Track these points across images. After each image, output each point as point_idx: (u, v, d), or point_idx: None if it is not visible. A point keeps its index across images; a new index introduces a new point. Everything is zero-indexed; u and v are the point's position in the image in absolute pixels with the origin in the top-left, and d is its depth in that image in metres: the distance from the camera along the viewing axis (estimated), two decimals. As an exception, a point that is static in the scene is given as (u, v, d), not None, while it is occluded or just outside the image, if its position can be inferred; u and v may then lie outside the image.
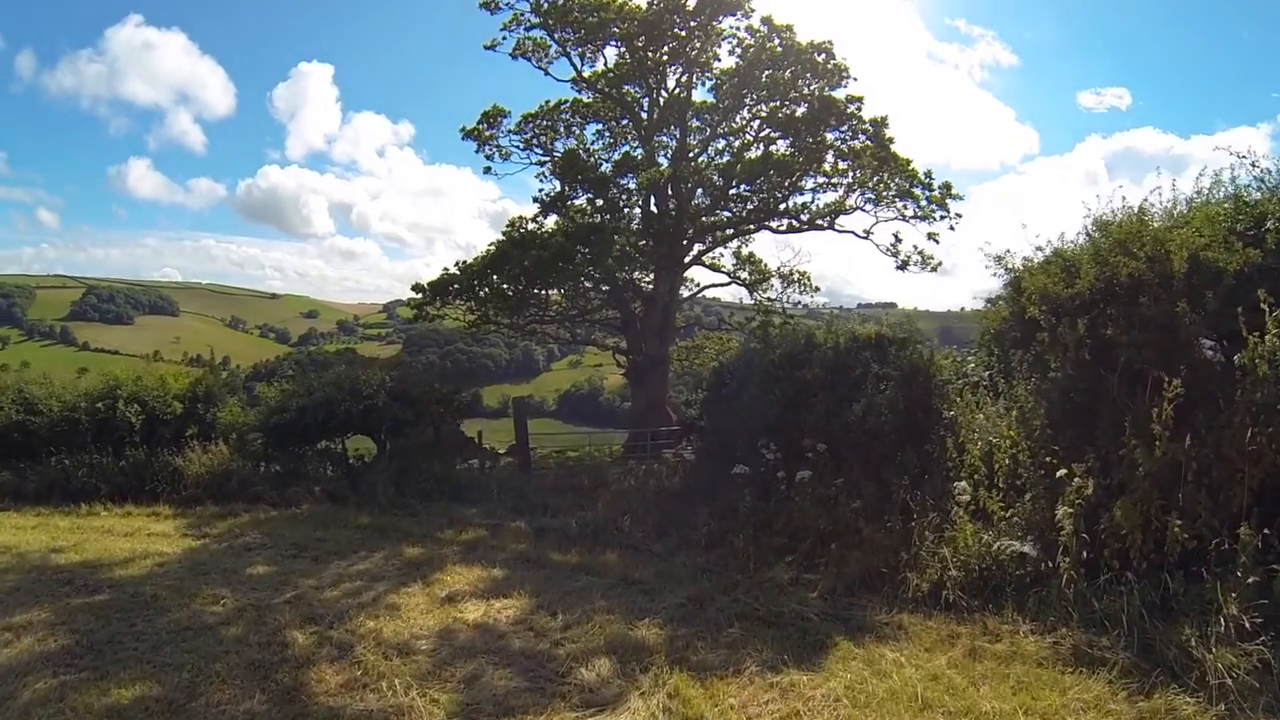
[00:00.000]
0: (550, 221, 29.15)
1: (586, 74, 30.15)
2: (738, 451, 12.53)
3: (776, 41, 27.52)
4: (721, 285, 32.82)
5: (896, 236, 27.43)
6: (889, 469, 9.98)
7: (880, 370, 11.13)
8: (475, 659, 6.54)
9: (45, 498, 15.51)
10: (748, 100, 28.75)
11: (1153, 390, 7.37)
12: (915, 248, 27.54)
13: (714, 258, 31.81)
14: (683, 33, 27.89)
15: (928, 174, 26.61)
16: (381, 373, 16.10)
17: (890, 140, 26.12)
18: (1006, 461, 8.89)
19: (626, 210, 28.87)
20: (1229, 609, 5.89)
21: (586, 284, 28.54)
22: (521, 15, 28.95)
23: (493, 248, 26.98)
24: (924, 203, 26.55)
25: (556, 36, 29.15)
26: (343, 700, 5.79)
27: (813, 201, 28.56)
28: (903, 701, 5.44)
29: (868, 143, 26.19)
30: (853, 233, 28.25)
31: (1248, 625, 5.78)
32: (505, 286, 26.81)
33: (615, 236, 25.54)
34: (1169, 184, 8.70)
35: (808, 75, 27.49)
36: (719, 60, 29.36)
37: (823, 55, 27.00)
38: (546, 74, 30.27)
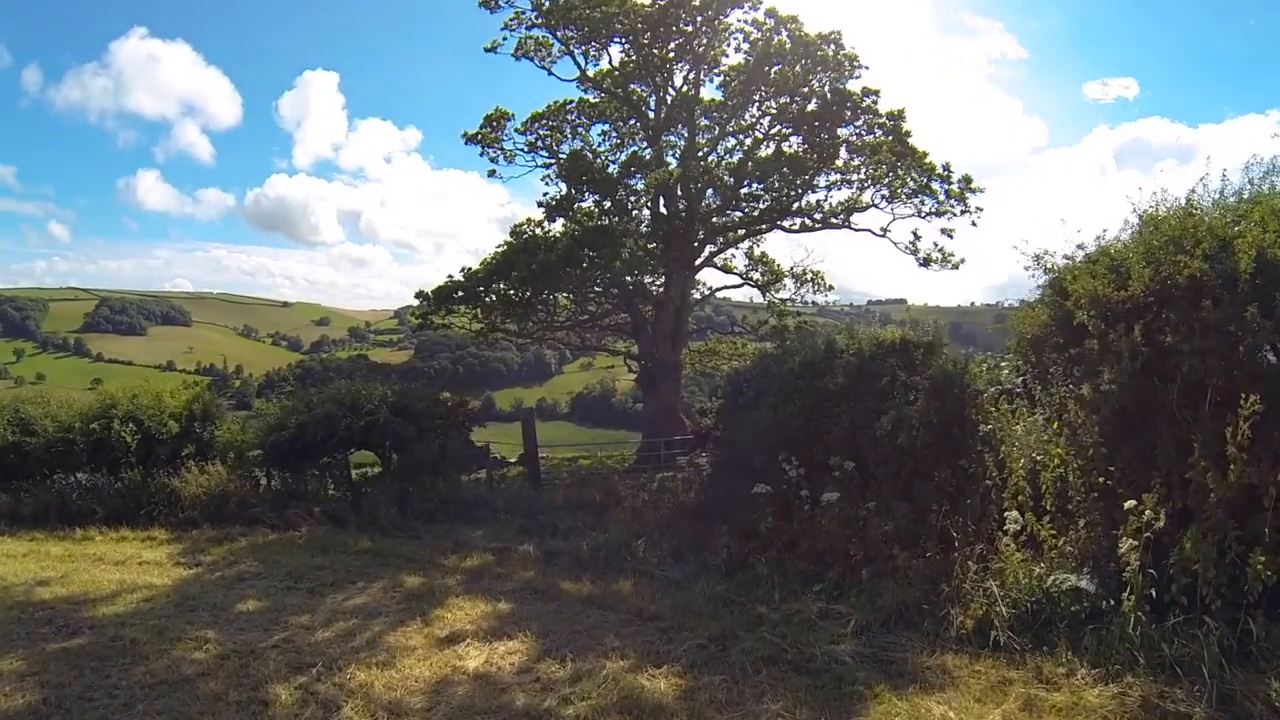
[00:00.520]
0: (557, 225, 28.56)
1: (591, 73, 29.56)
2: (755, 462, 11.85)
3: (784, 34, 26.79)
4: (734, 287, 32.21)
5: (916, 234, 26.76)
6: (924, 488, 9.32)
7: (908, 379, 10.51)
8: (473, 723, 5.88)
9: (41, 521, 15.04)
10: (756, 97, 28.04)
11: (1216, 404, 6.70)
12: (936, 245, 26.88)
13: (725, 259, 31.19)
14: (689, 28, 27.25)
15: (946, 167, 25.90)
16: (383, 387, 15.47)
17: (908, 133, 25.40)
18: (1054, 482, 8.19)
19: (635, 212, 28.20)
20: (1322, 656, 5.22)
21: (596, 288, 27.91)
22: (523, 14, 28.34)
23: (499, 252, 26.44)
24: (942, 197, 25.82)
25: (559, 35, 28.54)
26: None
27: (826, 199, 27.91)
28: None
29: (884, 137, 25.45)
30: (870, 230, 27.57)
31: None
32: (512, 293, 26.22)
33: (624, 239, 24.92)
34: (1218, 173, 8.01)
35: (818, 70, 26.79)
36: (726, 56, 28.76)
37: (832, 46, 26.30)
38: (550, 74, 29.73)
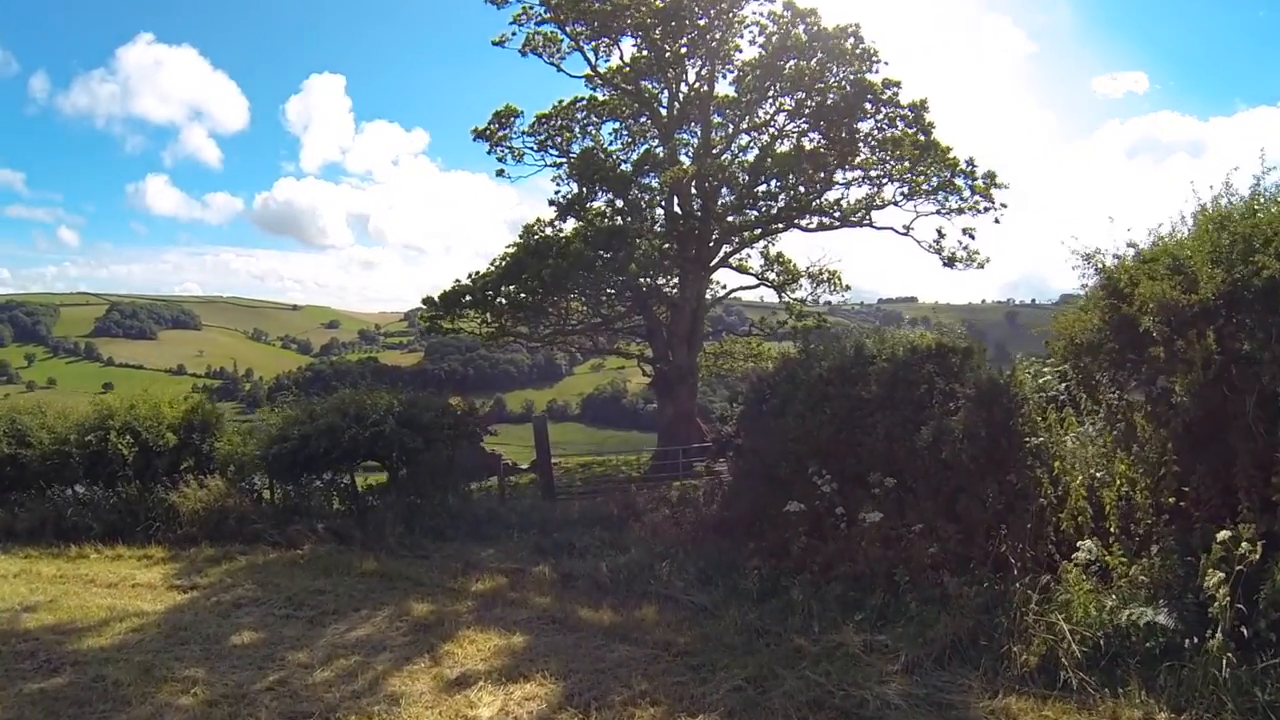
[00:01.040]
0: (568, 226, 27.86)
1: (602, 69, 28.84)
2: (781, 472, 11.16)
3: (801, 28, 26.03)
4: (749, 287, 31.42)
5: (940, 232, 25.94)
6: (970, 506, 8.64)
7: (946, 386, 9.85)
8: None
9: (37, 536, 14.49)
10: (771, 92, 27.26)
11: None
12: (960, 243, 26.07)
13: (741, 259, 30.37)
14: (703, 21, 26.50)
15: (970, 162, 25.08)
16: (389, 396, 14.77)
17: (931, 126, 24.56)
18: (1118, 502, 7.48)
19: (649, 212, 27.44)
20: None
21: (609, 290, 27.20)
22: (530, 8, 27.57)
23: (509, 254, 25.76)
24: (966, 194, 25.02)
25: (568, 30, 27.79)
26: None
27: (845, 197, 27.11)
28: None
29: (906, 130, 24.64)
30: (892, 229, 26.72)
31: None
32: (523, 296, 25.53)
33: (638, 239, 24.22)
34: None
35: (833, 65, 26.03)
36: (740, 51, 28.00)
37: (850, 39, 25.47)
38: (559, 70, 28.99)
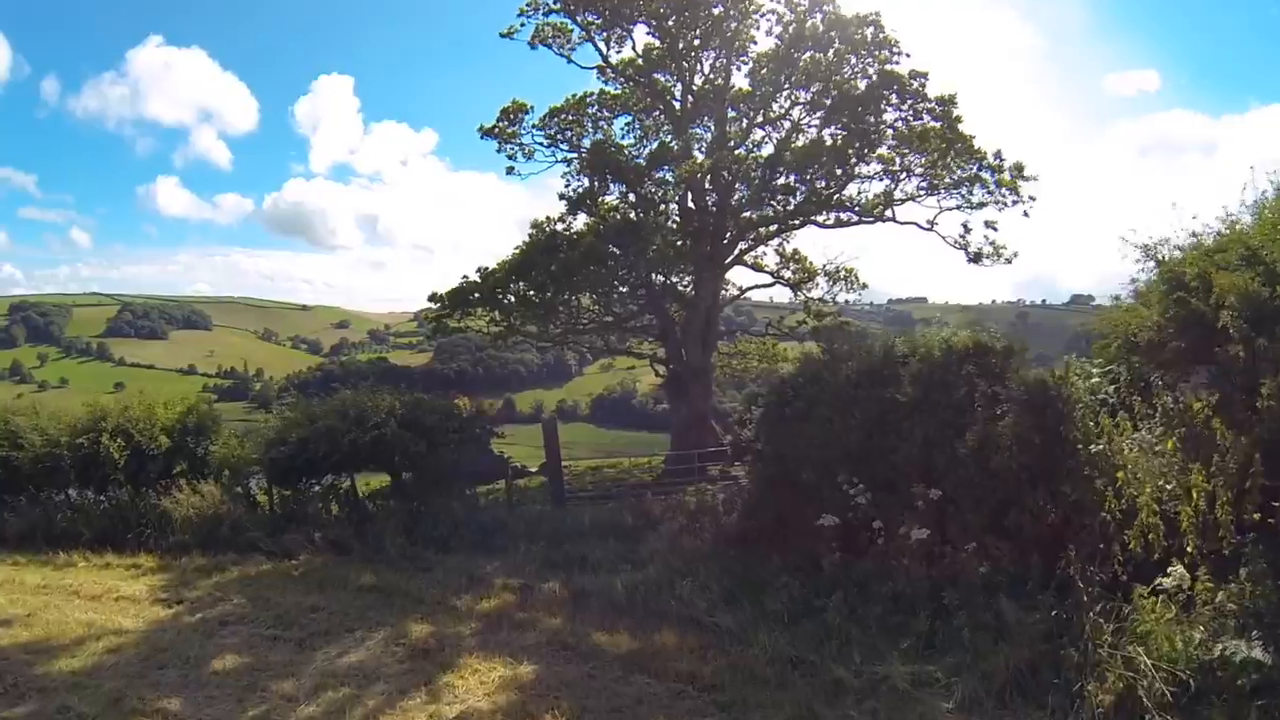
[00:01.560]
0: (579, 222, 27.12)
1: (614, 61, 28.11)
2: (806, 480, 10.41)
3: (818, 17, 25.30)
4: (764, 286, 30.61)
5: (966, 226, 25.06)
6: (1022, 521, 7.89)
7: (988, 389, 9.03)
8: None
9: (28, 541, 13.92)
10: (788, 85, 26.46)
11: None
12: (987, 238, 25.19)
13: (756, 256, 29.60)
14: (717, 10, 25.78)
15: (997, 154, 24.20)
16: (391, 397, 14.03)
17: (959, 119, 23.72)
18: (1195, 518, 6.70)
19: (663, 207, 26.64)
20: None
21: (621, 289, 26.44)
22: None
23: (518, 251, 25.04)
24: (992, 187, 24.15)
25: (579, 19, 27.12)
26: None
27: (864, 191, 26.23)
28: None
29: (932, 123, 23.80)
30: (915, 224, 25.89)
31: None
32: (531, 294, 24.79)
33: (653, 234, 23.49)
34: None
35: (851, 56, 25.25)
36: (755, 43, 27.25)
37: (870, 28, 24.70)
38: (569, 61, 28.35)
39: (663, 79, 28.23)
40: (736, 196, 26.15)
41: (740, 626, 7.95)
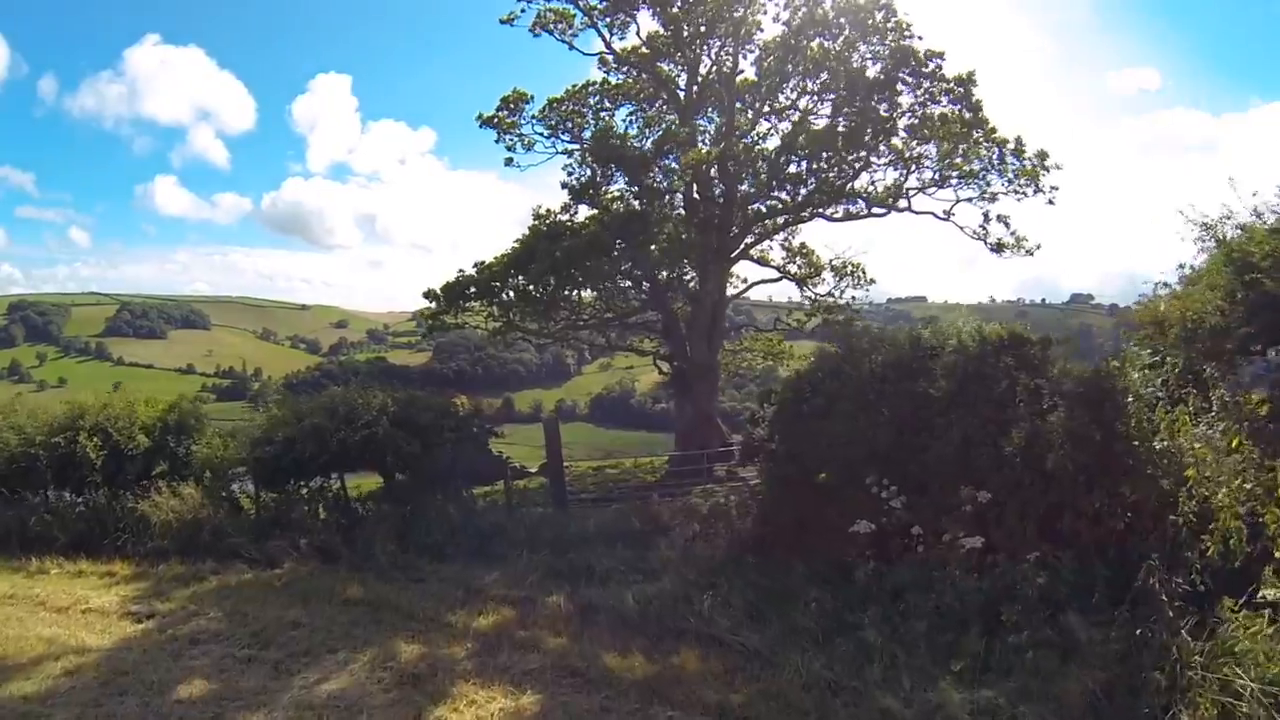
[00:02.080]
0: (581, 213, 26.24)
1: (617, 47, 27.26)
2: (826, 479, 9.59)
3: (828, 2, 24.38)
4: (771, 281, 29.71)
5: (986, 216, 24.10)
6: (1078, 526, 7.14)
7: (1029, 381, 8.34)
8: None
9: (2, 546, 13.13)
10: (794, 75, 25.54)
11: None
12: (1008, 228, 24.28)
13: (762, 250, 28.74)
14: (724, -5, 24.87)
15: (1019, 141, 23.31)
16: (383, 394, 13.18)
17: (979, 103, 22.79)
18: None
19: (668, 198, 25.76)
20: None
21: (625, 283, 25.58)
22: (541, -16, 26.04)
23: (518, 244, 24.14)
24: (1012, 176, 23.22)
25: (581, 4, 26.31)
26: None
27: (877, 181, 25.28)
28: None
29: (951, 107, 22.85)
30: (931, 213, 24.95)
31: None
32: (531, 288, 23.92)
33: (659, 223, 22.66)
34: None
35: (861, 44, 24.34)
36: (762, 30, 26.34)
37: (881, 12, 23.71)
38: (571, 48, 27.48)
39: (667, 68, 27.40)
40: (744, 188, 25.30)
41: (769, 646, 7.12)
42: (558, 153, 28.69)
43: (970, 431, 8.31)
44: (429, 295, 24.80)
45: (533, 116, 28.69)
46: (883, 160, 24.40)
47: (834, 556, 8.61)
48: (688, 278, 26.31)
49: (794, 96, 26.33)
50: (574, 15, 26.66)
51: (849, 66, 24.14)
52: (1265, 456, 6.55)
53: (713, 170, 24.95)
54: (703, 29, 25.83)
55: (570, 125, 28.49)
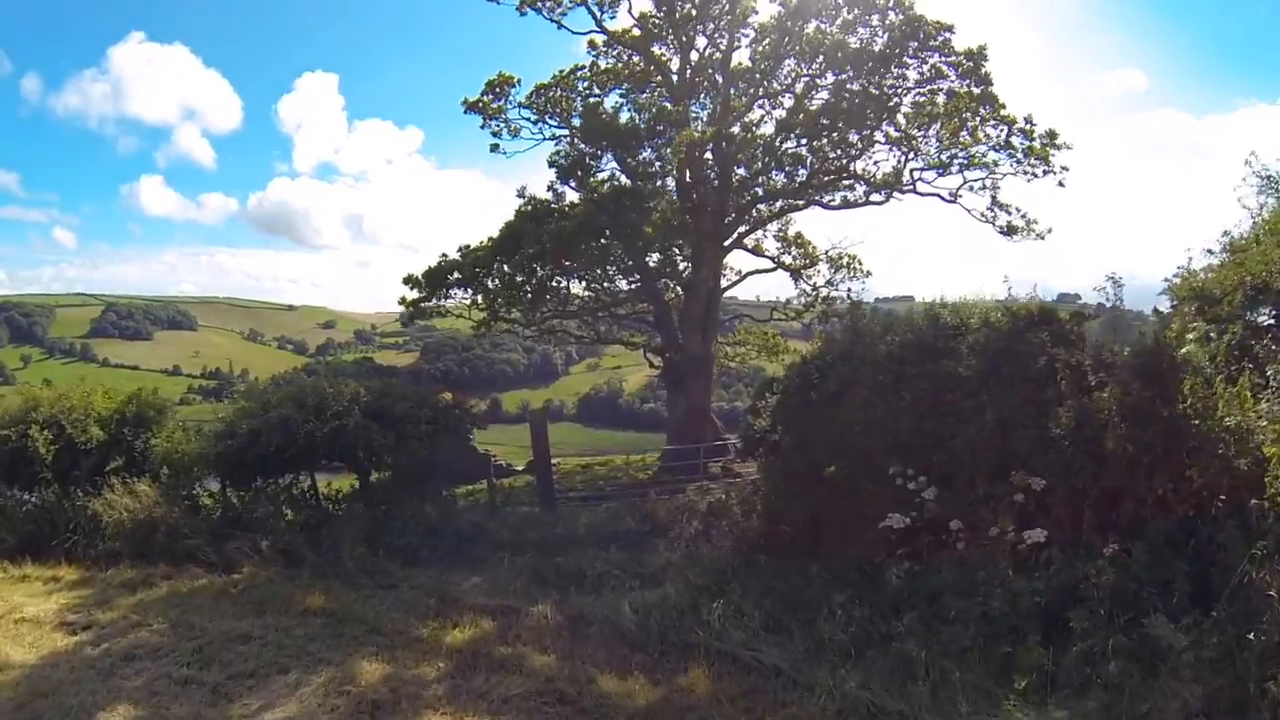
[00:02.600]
0: (569, 197, 25.09)
1: (609, 26, 26.14)
2: (839, 471, 8.64)
3: (826, -18, 23.30)
4: (766, 271, 28.56)
5: (995, 198, 23.04)
6: (1144, 513, 6.37)
7: (1070, 357, 7.63)
8: None
9: (-48, 549, 11.93)
10: (789, 57, 24.45)
11: None
12: (1018, 210, 23.25)
13: (756, 239, 27.65)
14: (717, -25, 23.83)
15: (1028, 119, 22.18)
16: (356, 384, 12.18)
17: (988, 75, 21.67)
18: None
19: (660, 181, 24.65)
20: None
21: (612, 268, 24.48)
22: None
23: (503, 229, 23.02)
24: (1020, 156, 22.17)
25: (571, -22, 25.14)
26: None
27: (878, 164, 24.14)
28: None
29: (958, 82, 21.78)
30: (937, 195, 23.84)
31: None
32: (519, 278, 22.83)
33: (654, 200, 21.65)
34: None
35: (860, 28, 23.28)
36: (757, 12, 25.34)
37: (882, -9, 22.53)
38: (560, 26, 26.22)
39: (659, 50, 26.36)
40: (739, 173, 24.20)
41: (792, 663, 6.14)
42: (545, 139, 27.64)
43: (1007, 413, 7.55)
44: (409, 281, 23.66)
45: (519, 103, 27.62)
46: (886, 141, 23.28)
47: (854, 556, 7.85)
48: (681, 267, 25.28)
49: (789, 81, 25.28)
50: (564, -8, 25.55)
51: (846, 50, 23.06)
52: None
53: (707, 152, 23.88)
54: (694, 11, 24.82)
55: (558, 110, 27.42)
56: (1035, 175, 22.07)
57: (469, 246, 23.33)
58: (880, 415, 8.36)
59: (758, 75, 25.49)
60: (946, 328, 8.87)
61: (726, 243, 25.70)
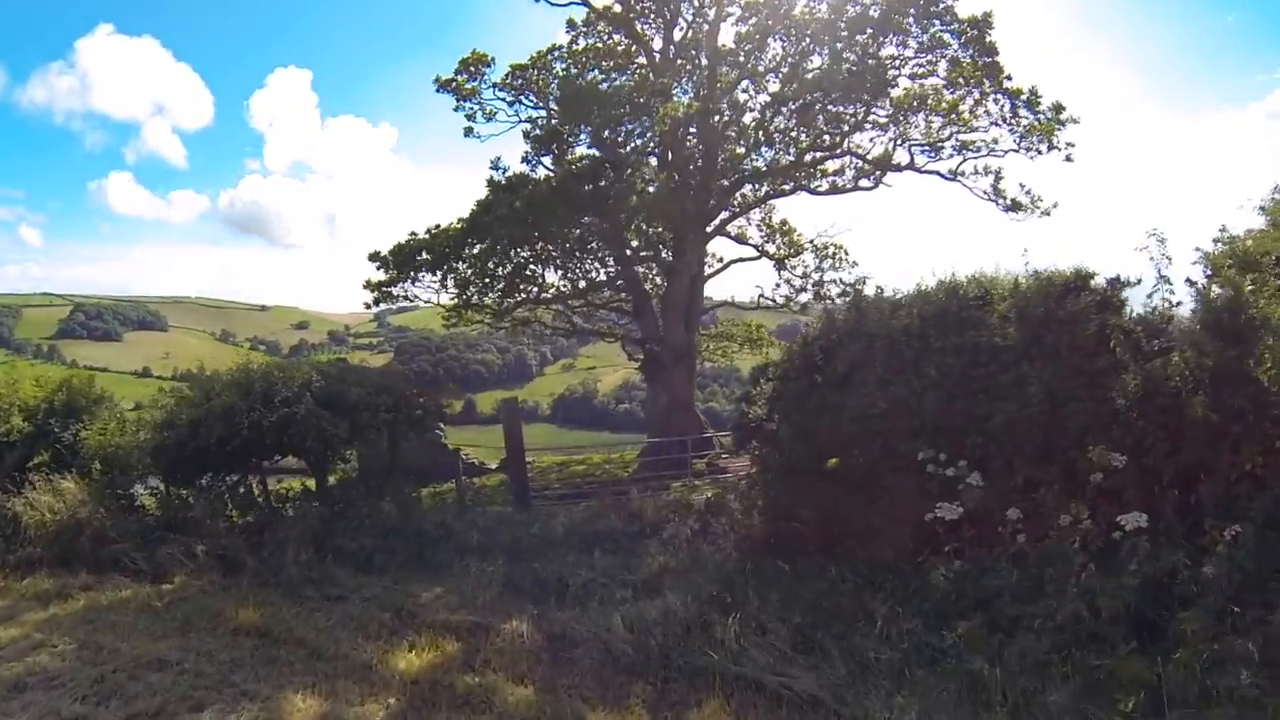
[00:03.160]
0: (545, 173, 23.75)
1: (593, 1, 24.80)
2: (853, 461, 7.83)
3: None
4: (749, 259, 27.28)
5: (998, 175, 21.80)
6: (1234, 491, 5.54)
7: (1118, 321, 7.00)
8: None
9: None
10: (775, 34, 23.24)
11: None
12: (1022, 186, 21.96)
13: (740, 227, 26.39)
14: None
15: (1034, 91, 20.88)
16: (309, 368, 10.90)
17: (993, 45, 20.47)
18: None
19: (643, 158, 23.31)
20: None
21: (589, 258, 23.19)
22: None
23: (476, 207, 21.66)
24: (1024, 131, 21.04)
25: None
26: None
27: (875, 140, 22.90)
28: None
29: (957, 51, 20.57)
30: (937, 173, 22.61)
31: None
32: (491, 262, 21.51)
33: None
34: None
35: (849, 6, 22.08)
36: (746, -9, 24.04)
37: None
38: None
39: (641, 28, 25.11)
40: (726, 151, 22.96)
41: (834, 691, 4.93)
42: (521, 121, 26.27)
43: (1055, 385, 6.73)
44: (375, 258, 22.18)
45: (495, 83, 26.28)
46: (883, 115, 22.05)
47: (881, 556, 6.98)
48: (663, 254, 24.04)
49: (774, 63, 24.05)
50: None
51: (835, 31, 21.85)
52: None
53: (691, 128, 22.65)
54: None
55: (535, 89, 26.12)
56: (1040, 152, 20.98)
57: (439, 226, 21.97)
58: (902, 395, 7.50)
59: (741, 57, 24.30)
60: (969, 299, 7.90)
61: (709, 228, 24.51)
